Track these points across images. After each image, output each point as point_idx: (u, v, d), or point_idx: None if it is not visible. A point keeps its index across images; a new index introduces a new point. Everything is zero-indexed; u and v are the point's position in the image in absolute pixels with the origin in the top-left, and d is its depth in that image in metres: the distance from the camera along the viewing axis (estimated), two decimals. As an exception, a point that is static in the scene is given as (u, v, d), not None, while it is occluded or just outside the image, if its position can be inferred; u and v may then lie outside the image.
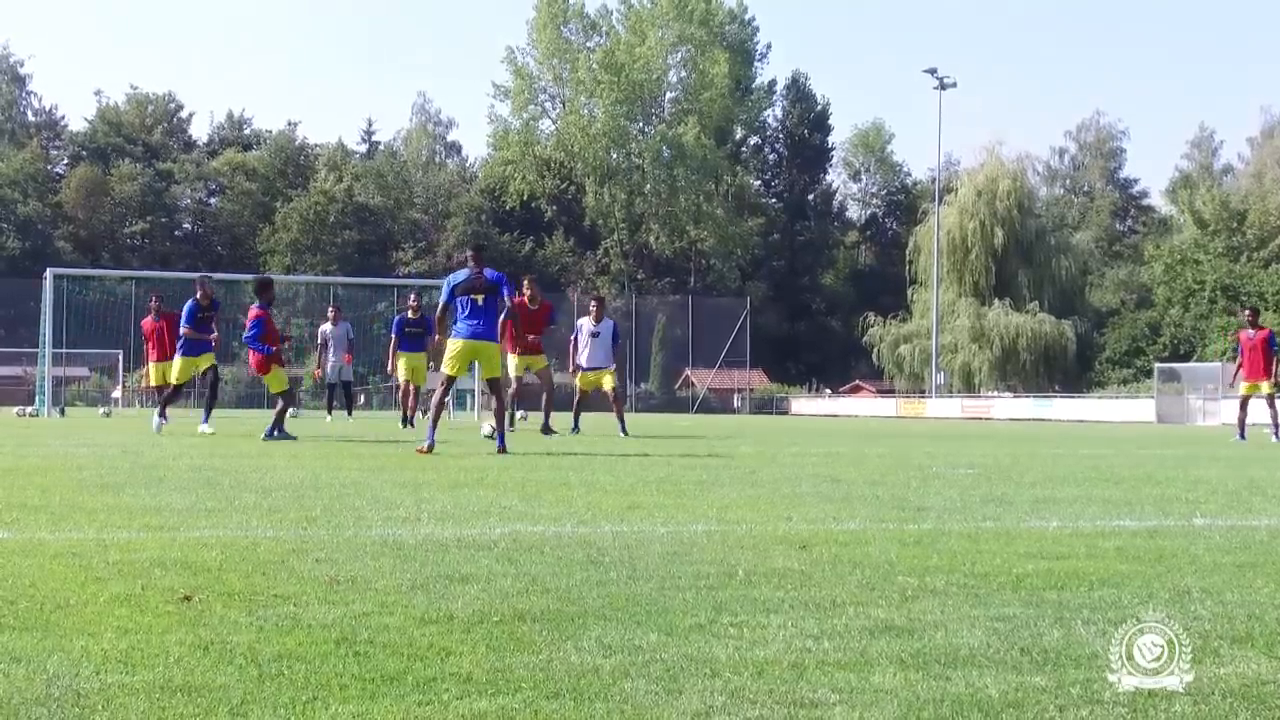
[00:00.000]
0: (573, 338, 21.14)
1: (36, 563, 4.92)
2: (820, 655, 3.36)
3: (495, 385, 14.54)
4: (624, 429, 20.01)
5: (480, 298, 13.72)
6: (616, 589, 4.34)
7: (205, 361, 18.93)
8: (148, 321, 23.44)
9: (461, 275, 13.93)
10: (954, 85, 69.03)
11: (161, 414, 19.24)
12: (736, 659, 3.32)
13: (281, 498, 7.72)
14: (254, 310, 17.93)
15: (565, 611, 3.93)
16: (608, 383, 20.65)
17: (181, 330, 18.90)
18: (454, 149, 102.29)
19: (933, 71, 68.56)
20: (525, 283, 20.73)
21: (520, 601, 4.09)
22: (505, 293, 14.01)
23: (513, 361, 20.03)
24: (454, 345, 13.95)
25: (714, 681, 3.08)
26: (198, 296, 18.90)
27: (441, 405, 14.18)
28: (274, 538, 5.73)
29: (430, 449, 13.15)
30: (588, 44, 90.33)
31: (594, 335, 20.74)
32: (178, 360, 19.01)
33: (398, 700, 2.87)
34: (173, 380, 19.42)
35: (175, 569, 4.73)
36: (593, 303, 21.70)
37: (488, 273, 13.90)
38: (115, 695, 2.90)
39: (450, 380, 14.34)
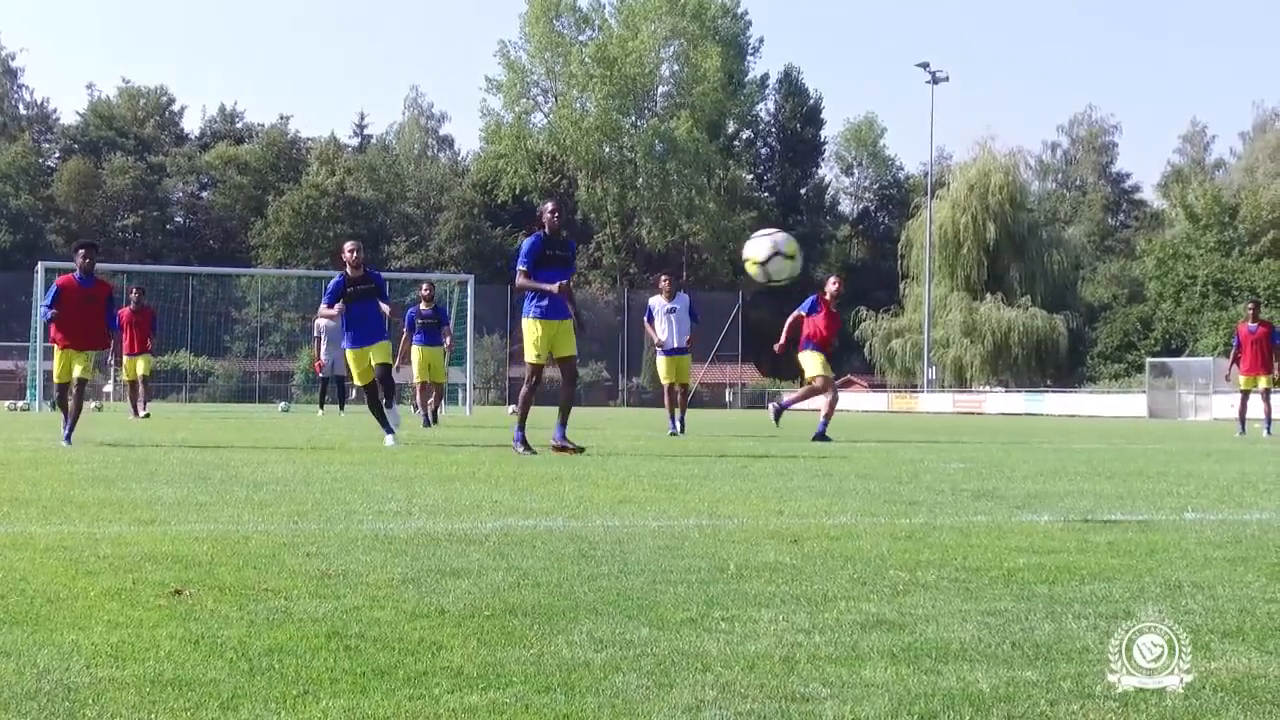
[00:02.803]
0: (646, 320, 19.57)
1: (27, 556, 4.91)
2: (811, 649, 3.36)
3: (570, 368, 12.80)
4: (682, 426, 18.36)
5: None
6: (608, 583, 4.34)
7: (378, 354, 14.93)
8: (125, 312, 23.33)
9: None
10: (946, 79, 69.11)
11: (136, 410, 18.80)
12: (728, 653, 3.31)
13: (273, 492, 7.72)
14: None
15: (556, 606, 3.93)
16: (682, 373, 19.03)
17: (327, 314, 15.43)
18: (446, 143, 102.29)
19: (925, 66, 68.60)
20: (832, 279, 18.55)
21: (511, 596, 4.09)
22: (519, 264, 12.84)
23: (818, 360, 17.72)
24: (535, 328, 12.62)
25: (705, 675, 3.07)
26: (348, 271, 14.89)
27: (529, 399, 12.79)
28: (265, 532, 5.73)
29: (523, 446, 12.27)
30: (580, 37, 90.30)
31: (670, 312, 19.18)
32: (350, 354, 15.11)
33: (388, 694, 2.86)
34: (359, 380, 15.19)
35: (166, 563, 4.71)
36: (663, 278, 19.92)
37: None
38: (106, 689, 2.90)
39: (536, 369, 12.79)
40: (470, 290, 35.82)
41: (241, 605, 3.88)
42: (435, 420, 22.33)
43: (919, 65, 68.89)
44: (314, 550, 5.08)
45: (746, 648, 3.38)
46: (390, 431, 14.31)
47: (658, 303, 19.48)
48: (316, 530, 5.80)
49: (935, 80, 68.64)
